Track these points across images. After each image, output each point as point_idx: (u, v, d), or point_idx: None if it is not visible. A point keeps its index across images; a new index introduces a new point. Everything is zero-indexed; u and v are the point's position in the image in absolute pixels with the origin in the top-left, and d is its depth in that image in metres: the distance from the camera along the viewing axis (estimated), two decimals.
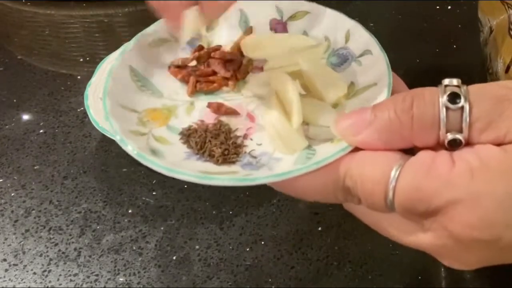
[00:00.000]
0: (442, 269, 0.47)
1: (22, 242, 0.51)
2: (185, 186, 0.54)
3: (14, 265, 0.49)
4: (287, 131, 0.34)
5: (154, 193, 0.54)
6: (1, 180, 0.57)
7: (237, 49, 0.40)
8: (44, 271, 0.48)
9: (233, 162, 0.33)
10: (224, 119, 0.36)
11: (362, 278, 0.46)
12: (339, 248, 0.49)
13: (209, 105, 0.37)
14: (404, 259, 0.48)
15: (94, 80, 0.60)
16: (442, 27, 0.71)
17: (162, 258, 0.49)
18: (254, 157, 0.34)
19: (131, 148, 0.31)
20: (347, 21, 0.39)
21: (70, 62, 0.72)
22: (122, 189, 0.55)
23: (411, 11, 0.73)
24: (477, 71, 0.55)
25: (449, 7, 0.73)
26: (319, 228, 0.50)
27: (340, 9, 0.41)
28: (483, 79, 0.51)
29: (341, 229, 0.50)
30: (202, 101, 0.37)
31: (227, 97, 0.38)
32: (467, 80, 0.30)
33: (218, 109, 0.36)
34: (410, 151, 0.30)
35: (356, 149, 0.31)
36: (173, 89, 0.38)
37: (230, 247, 0.49)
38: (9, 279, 0.48)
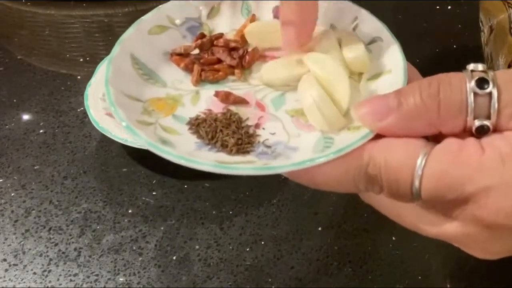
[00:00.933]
0: (442, 269, 0.47)
1: (22, 242, 0.51)
2: (185, 186, 0.54)
3: (14, 265, 0.49)
4: (327, 107, 0.33)
5: (154, 193, 0.54)
6: (1, 180, 0.57)
7: (241, 37, 0.39)
8: (44, 271, 0.48)
9: (247, 152, 0.32)
10: (232, 108, 0.35)
11: (362, 278, 0.46)
12: (339, 248, 0.49)
13: (217, 94, 0.35)
14: (404, 259, 0.48)
15: (94, 80, 0.60)
16: (442, 27, 0.71)
17: (162, 258, 0.49)
18: (269, 147, 0.32)
19: (143, 136, 0.30)
20: (354, 8, 0.38)
21: (70, 62, 0.72)
22: (122, 189, 0.55)
23: (411, 11, 0.73)
24: None
25: (449, 7, 0.73)
26: (319, 228, 0.50)
27: None
28: None
29: (341, 229, 0.50)
30: (207, 90, 0.36)
31: (233, 86, 0.36)
32: None
33: (226, 98, 0.35)
34: (434, 139, 0.30)
35: (378, 136, 0.30)
36: (176, 78, 0.36)
37: (230, 247, 0.49)
38: (9, 279, 0.48)
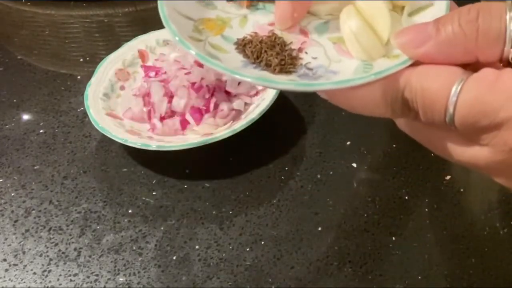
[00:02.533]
0: (442, 269, 0.47)
1: (22, 242, 0.51)
2: (185, 186, 0.54)
3: (14, 265, 0.49)
4: (367, 37, 0.33)
5: (154, 193, 0.54)
6: (1, 180, 0.57)
7: None
8: (44, 271, 0.48)
9: (290, 72, 0.33)
10: (277, 32, 0.36)
11: (362, 278, 0.46)
12: (339, 248, 0.49)
13: None
14: (404, 259, 0.48)
15: (94, 80, 0.61)
16: None
17: (162, 258, 0.49)
18: (310, 69, 0.34)
19: (193, 51, 0.32)
20: None
21: (70, 62, 0.72)
22: (122, 189, 0.55)
23: None
24: None
25: None
26: (319, 228, 0.50)
27: None
28: None
29: (341, 229, 0.50)
30: (255, 15, 0.37)
31: None
32: None
33: None
34: (472, 70, 0.30)
35: (417, 64, 0.30)
36: (225, 2, 0.38)
37: (230, 247, 0.49)
38: (9, 279, 0.48)
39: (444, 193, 0.52)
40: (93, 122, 0.56)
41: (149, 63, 0.64)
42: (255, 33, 0.36)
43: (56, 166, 0.58)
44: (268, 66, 0.34)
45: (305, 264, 0.48)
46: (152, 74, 0.61)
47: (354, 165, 0.55)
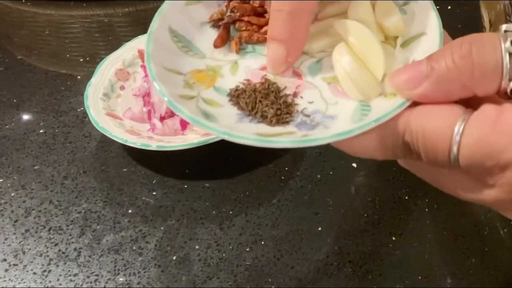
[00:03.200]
0: (442, 269, 0.47)
1: (22, 242, 0.51)
2: (185, 186, 0.54)
3: (14, 265, 0.49)
4: (361, 77, 0.33)
5: (154, 193, 0.54)
6: (1, 180, 0.57)
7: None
8: (44, 271, 0.48)
9: (287, 122, 0.32)
10: (270, 77, 0.35)
11: (362, 278, 0.46)
12: (339, 248, 0.49)
13: (240, 35, 0.36)
14: (404, 259, 0.48)
15: (94, 80, 0.61)
16: (442, 27, 0.71)
17: (162, 258, 0.49)
18: (307, 116, 0.33)
19: (186, 112, 0.31)
20: None
21: (70, 62, 0.72)
22: (122, 189, 0.55)
23: None
24: None
25: (449, 7, 0.73)
26: (319, 228, 0.50)
27: None
28: None
29: (341, 229, 0.50)
30: (245, 60, 0.36)
31: None
32: None
33: (249, 38, 0.36)
34: (470, 105, 0.29)
35: (414, 104, 0.30)
36: (213, 49, 0.37)
37: (230, 247, 0.49)
38: (9, 279, 0.48)
39: (444, 193, 0.52)
40: (93, 122, 0.56)
41: None
42: (248, 80, 0.35)
43: (56, 166, 0.58)
44: (264, 117, 0.33)
45: (305, 264, 0.48)
46: None
47: (354, 165, 0.55)
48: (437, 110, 0.29)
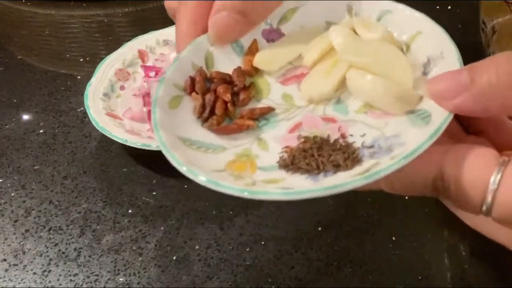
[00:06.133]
0: (442, 269, 0.47)
1: (22, 242, 0.51)
2: (185, 186, 0.54)
3: (14, 265, 0.49)
4: (394, 88, 0.31)
5: (154, 193, 0.54)
6: (1, 180, 0.57)
7: (241, 73, 0.36)
8: (44, 271, 0.48)
9: (361, 159, 0.30)
10: (305, 133, 0.33)
11: (362, 278, 0.46)
12: (339, 248, 0.49)
13: (241, 113, 0.34)
14: (404, 259, 0.48)
15: (94, 80, 0.61)
16: (442, 27, 0.71)
17: (162, 258, 0.49)
18: (371, 146, 0.31)
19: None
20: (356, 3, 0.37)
21: (70, 62, 0.72)
22: (122, 189, 0.55)
23: None
24: None
25: (449, 7, 0.73)
26: (319, 228, 0.50)
27: None
28: None
29: (341, 229, 0.50)
30: (267, 132, 0.34)
31: (288, 116, 0.34)
32: None
33: (252, 114, 0.34)
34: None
35: (451, 137, 0.28)
36: (225, 136, 0.34)
37: (230, 247, 0.49)
38: (9, 279, 0.48)
39: None
40: (93, 122, 0.56)
41: (149, 63, 0.64)
42: (287, 147, 0.32)
43: (56, 166, 0.58)
44: (337, 166, 0.30)
45: (305, 264, 0.48)
46: (152, 74, 0.61)
47: None
48: (472, 158, 0.27)
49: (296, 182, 0.30)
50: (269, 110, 0.34)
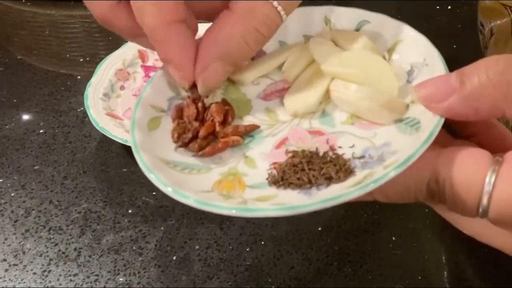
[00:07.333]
0: (442, 269, 0.47)
1: (22, 242, 0.51)
2: None
3: (14, 265, 0.49)
4: (381, 97, 0.31)
5: (154, 193, 0.54)
6: (1, 180, 0.57)
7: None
8: (44, 271, 0.48)
9: (353, 172, 0.30)
10: (293, 148, 0.32)
11: (362, 278, 0.46)
12: (339, 248, 0.49)
13: (224, 135, 0.33)
14: (404, 259, 0.48)
15: (94, 80, 0.61)
16: (442, 27, 0.71)
17: (162, 258, 0.49)
18: (362, 157, 0.31)
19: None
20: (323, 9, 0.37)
21: (70, 62, 0.72)
22: (122, 189, 0.55)
23: (411, 11, 0.73)
24: None
25: (449, 7, 0.73)
26: (319, 228, 0.50)
27: None
28: None
29: (341, 229, 0.50)
30: (253, 149, 0.33)
31: (273, 132, 0.34)
32: None
33: (236, 131, 0.33)
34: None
35: (438, 143, 0.28)
36: (208, 155, 0.33)
37: (230, 247, 0.49)
38: (9, 279, 0.48)
39: None
40: (93, 122, 0.56)
41: (149, 63, 0.64)
42: (275, 163, 0.32)
43: (56, 166, 0.58)
44: (329, 178, 0.30)
45: (305, 264, 0.48)
46: (152, 74, 0.61)
47: None
48: (466, 158, 0.27)
49: (288, 198, 0.30)
50: (254, 127, 0.34)
